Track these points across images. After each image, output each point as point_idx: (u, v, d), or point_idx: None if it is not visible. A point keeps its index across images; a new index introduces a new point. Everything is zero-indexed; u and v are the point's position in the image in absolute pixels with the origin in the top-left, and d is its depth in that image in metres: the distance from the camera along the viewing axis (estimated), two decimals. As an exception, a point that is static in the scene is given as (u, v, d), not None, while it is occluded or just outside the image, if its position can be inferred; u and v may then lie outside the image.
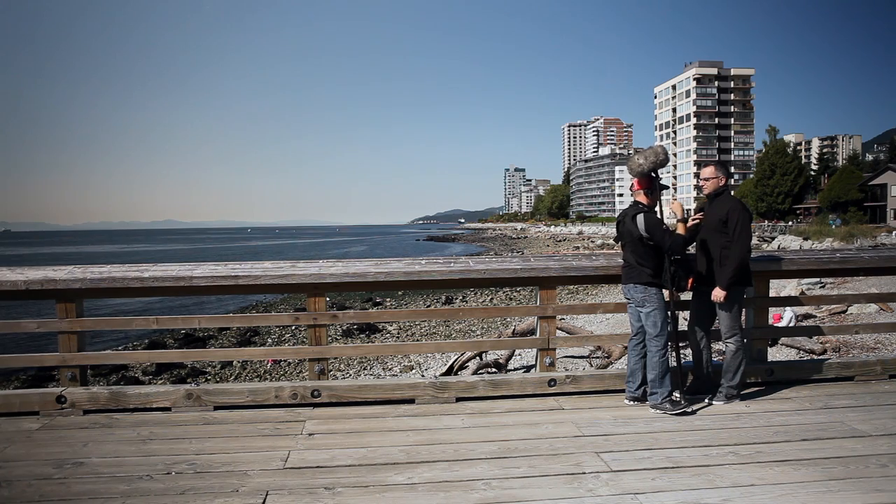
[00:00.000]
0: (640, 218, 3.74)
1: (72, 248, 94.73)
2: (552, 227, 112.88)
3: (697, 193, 79.13)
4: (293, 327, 15.50)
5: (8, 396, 3.86)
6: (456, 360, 9.42)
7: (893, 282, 11.98)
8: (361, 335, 15.69)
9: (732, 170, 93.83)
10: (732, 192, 4.02)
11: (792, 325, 9.35)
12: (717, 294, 3.74)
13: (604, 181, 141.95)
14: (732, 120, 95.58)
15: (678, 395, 3.74)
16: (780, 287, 14.30)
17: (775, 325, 8.87)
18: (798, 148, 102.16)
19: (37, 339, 12.70)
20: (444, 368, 9.74)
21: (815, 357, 7.88)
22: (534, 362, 4.45)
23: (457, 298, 21.16)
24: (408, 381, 4.03)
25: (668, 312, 3.78)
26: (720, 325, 3.90)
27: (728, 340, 3.86)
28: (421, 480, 2.77)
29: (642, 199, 3.83)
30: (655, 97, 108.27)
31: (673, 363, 3.80)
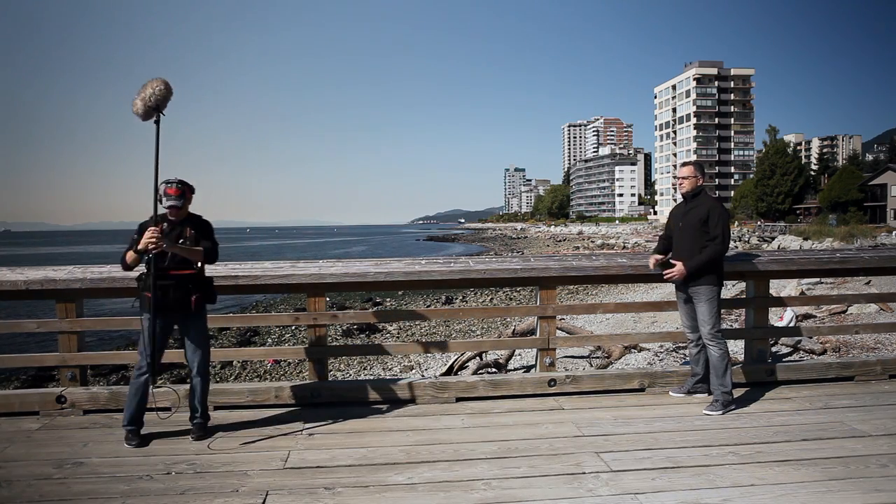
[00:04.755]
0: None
1: (72, 248, 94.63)
2: (553, 226, 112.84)
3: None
4: (293, 327, 15.49)
5: (8, 396, 3.86)
6: (456, 360, 9.40)
7: (893, 282, 11.98)
8: (361, 335, 15.68)
9: (732, 170, 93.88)
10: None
11: (792, 325, 9.34)
12: (678, 269, 3.72)
13: (604, 181, 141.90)
14: (732, 120, 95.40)
15: None
16: (780, 287, 14.28)
17: (777, 324, 8.86)
18: (798, 148, 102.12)
19: (37, 339, 12.70)
20: (444, 368, 9.72)
21: (815, 357, 7.88)
22: (534, 362, 4.45)
23: (457, 298, 21.13)
24: (408, 381, 4.02)
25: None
26: (700, 326, 3.82)
27: (710, 344, 3.77)
28: (421, 480, 2.78)
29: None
30: (655, 97, 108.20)
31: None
